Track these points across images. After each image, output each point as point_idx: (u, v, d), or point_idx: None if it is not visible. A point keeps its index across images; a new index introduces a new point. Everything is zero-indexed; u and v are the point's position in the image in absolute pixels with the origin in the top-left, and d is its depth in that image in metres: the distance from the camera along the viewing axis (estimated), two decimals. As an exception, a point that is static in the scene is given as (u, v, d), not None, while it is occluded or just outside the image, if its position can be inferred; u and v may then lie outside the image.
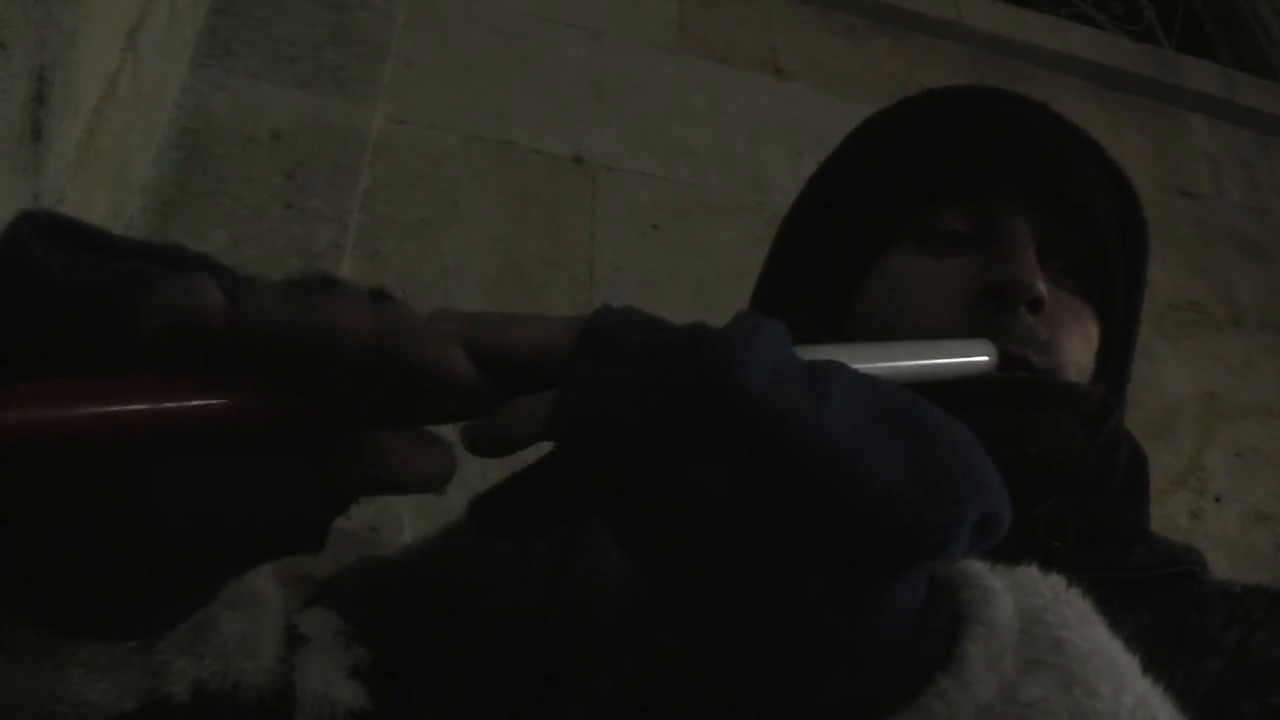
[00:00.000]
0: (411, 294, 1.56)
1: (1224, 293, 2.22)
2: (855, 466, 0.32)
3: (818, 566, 0.33)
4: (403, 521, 1.36)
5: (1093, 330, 0.68)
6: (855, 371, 0.35)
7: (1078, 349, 0.66)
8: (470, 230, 1.67)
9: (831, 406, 0.32)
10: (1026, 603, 0.38)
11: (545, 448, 0.36)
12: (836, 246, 0.72)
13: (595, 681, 0.54)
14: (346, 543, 1.23)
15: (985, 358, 0.59)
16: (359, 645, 0.54)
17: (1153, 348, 2.05)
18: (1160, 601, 0.59)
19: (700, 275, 1.76)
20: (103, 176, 1.25)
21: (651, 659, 0.50)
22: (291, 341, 0.31)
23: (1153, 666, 0.40)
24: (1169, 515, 1.84)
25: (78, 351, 0.32)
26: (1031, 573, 0.40)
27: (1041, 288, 0.63)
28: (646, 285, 1.73)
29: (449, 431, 0.36)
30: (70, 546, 0.33)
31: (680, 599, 0.36)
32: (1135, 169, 2.38)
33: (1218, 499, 1.91)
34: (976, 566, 0.39)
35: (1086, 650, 0.37)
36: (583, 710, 0.54)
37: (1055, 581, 0.40)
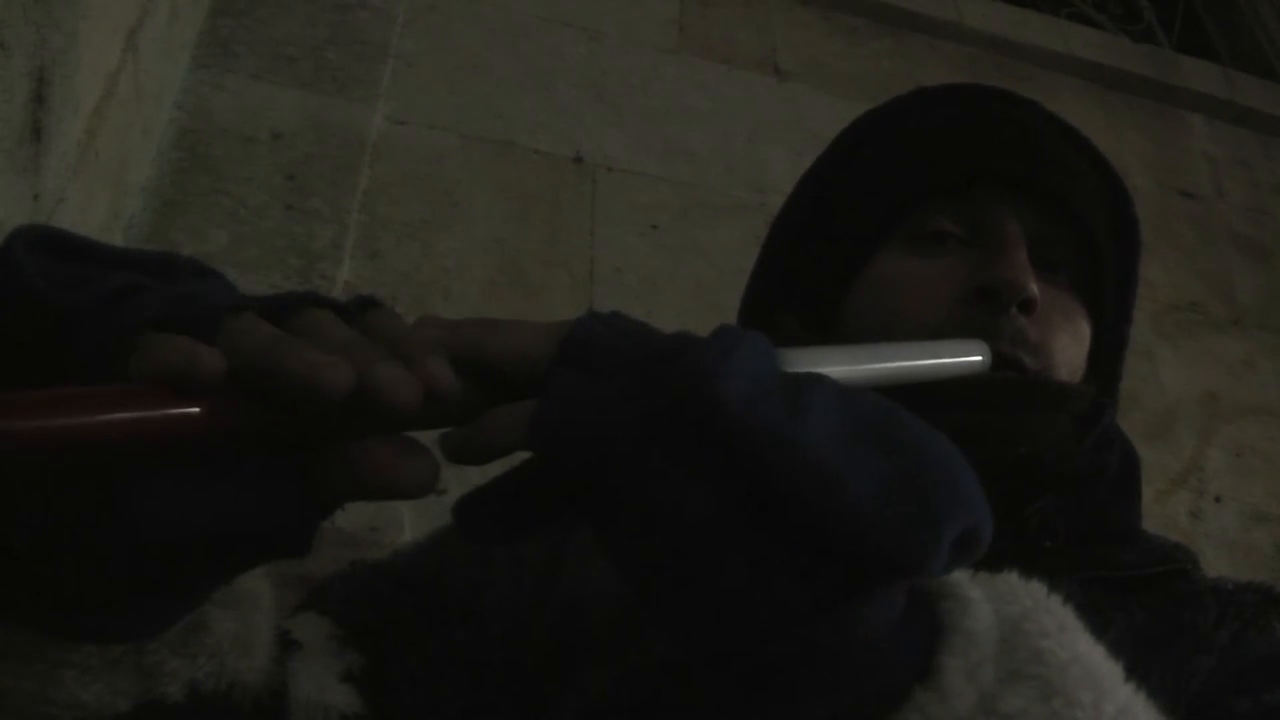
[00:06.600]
0: (411, 294, 1.56)
1: (1224, 293, 2.22)
2: (832, 483, 0.31)
3: (796, 581, 0.32)
4: (403, 522, 1.36)
5: (1084, 330, 0.68)
6: (837, 385, 0.35)
7: (1069, 349, 0.66)
8: (470, 230, 1.67)
9: (810, 422, 0.32)
10: (1005, 612, 0.38)
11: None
12: (827, 246, 0.71)
13: (587, 682, 0.54)
14: (346, 543, 1.23)
15: (978, 358, 0.60)
16: (351, 650, 0.54)
17: (1153, 348, 2.05)
18: (1152, 600, 0.59)
19: (700, 275, 1.76)
20: (103, 176, 1.25)
21: (642, 660, 0.50)
22: (270, 382, 0.32)
23: (1144, 665, 0.40)
24: (1169, 515, 1.84)
25: (68, 367, 0.32)
26: (1011, 580, 0.40)
27: (1033, 288, 0.63)
28: (646, 285, 1.73)
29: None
30: (58, 552, 0.33)
31: (661, 608, 0.36)
32: (1135, 169, 2.39)
33: (1218, 499, 1.91)
34: (956, 575, 0.39)
35: (1066, 659, 0.37)
36: (575, 712, 0.54)
37: (1035, 589, 0.39)
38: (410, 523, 1.35)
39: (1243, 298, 2.23)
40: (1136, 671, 0.39)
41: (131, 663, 0.39)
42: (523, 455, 0.36)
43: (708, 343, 0.34)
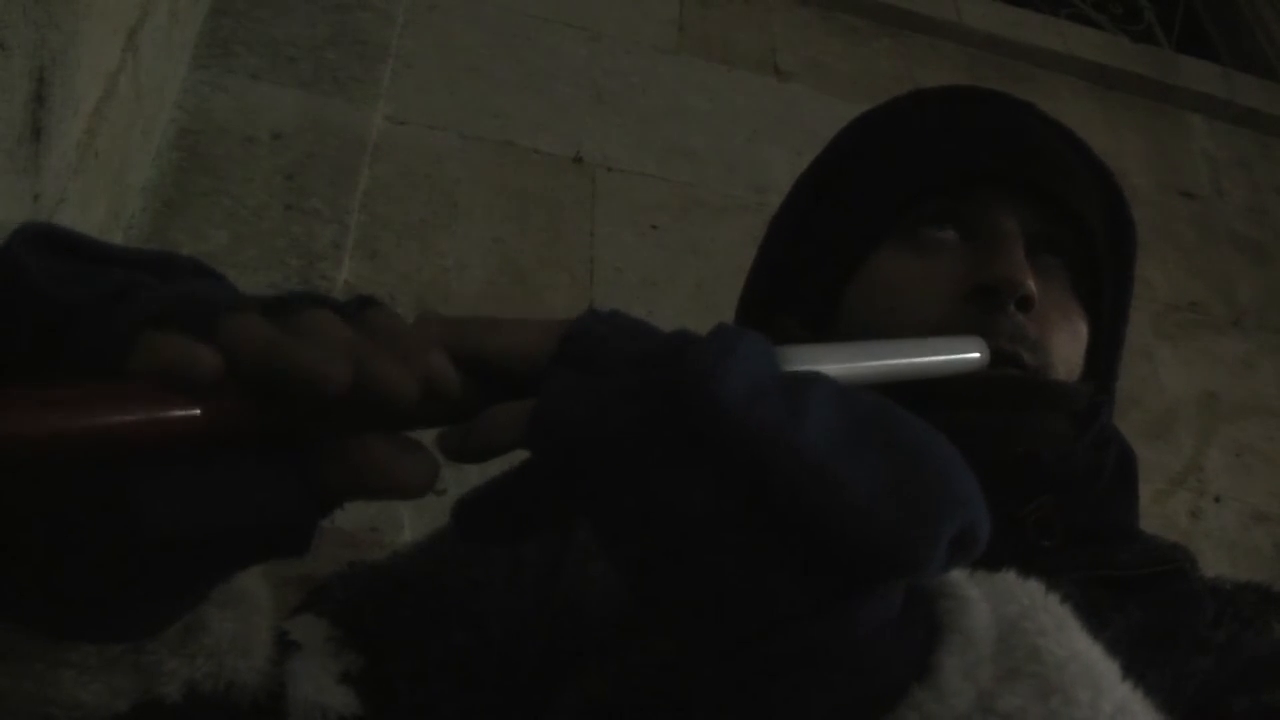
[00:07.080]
0: (411, 294, 1.56)
1: (1224, 293, 2.22)
2: (830, 483, 0.31)
3: (794, 580, 0.33)
4: (403, 521, 1.36)
5: (1081, 328, 0.68)
6: (835, 384, 0.35)
7: (1066, 347, 0.66)
8: (470, 230, 1.67)
9: (808, 422, 0.32)
10: (1003, 610, 0.38)
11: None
12: (825, 245, 0.72)
13: (586, 683, 0.54)
14: (346, 543, 1.23)
15: (976, 355, 0.60)
16: (350, 651, 0.54)
17: (1152, 348, 2.05)
18: (1150, 600, 0.59)
19: (700, 275, 1.76)
20: (103, 176, 1.26)
21: (642, 660, 0.50)
22: (269, 378, 0.32)
23: (1142, 665, 0.40)
24: (1169, 515, 1.84)
25: (67, 364, 0.32)
26: (1009, 579, 0.40)
27: (1031, 285, 0.63)
28: (646, 285, 1.73)
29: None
30: (56, 550, 0.33)
31: (660, 608, 0.36)
32: (1135, 169, 2.39)
33: (1217, 499, 1.91)
34: (954, 574, 0.38)
35: (1064, 658, 0.36)
36: (575, 712, 0.54)
37: (1033, 588, 0.39)
38: (410, 523, 1.35)
39: (1243, 298, 2.23)
40: (1134, 670, 0.39)
41: (130, 662, 0.39)
42: (522, 454, 0.36)
43: (706, 342, 0.34)
